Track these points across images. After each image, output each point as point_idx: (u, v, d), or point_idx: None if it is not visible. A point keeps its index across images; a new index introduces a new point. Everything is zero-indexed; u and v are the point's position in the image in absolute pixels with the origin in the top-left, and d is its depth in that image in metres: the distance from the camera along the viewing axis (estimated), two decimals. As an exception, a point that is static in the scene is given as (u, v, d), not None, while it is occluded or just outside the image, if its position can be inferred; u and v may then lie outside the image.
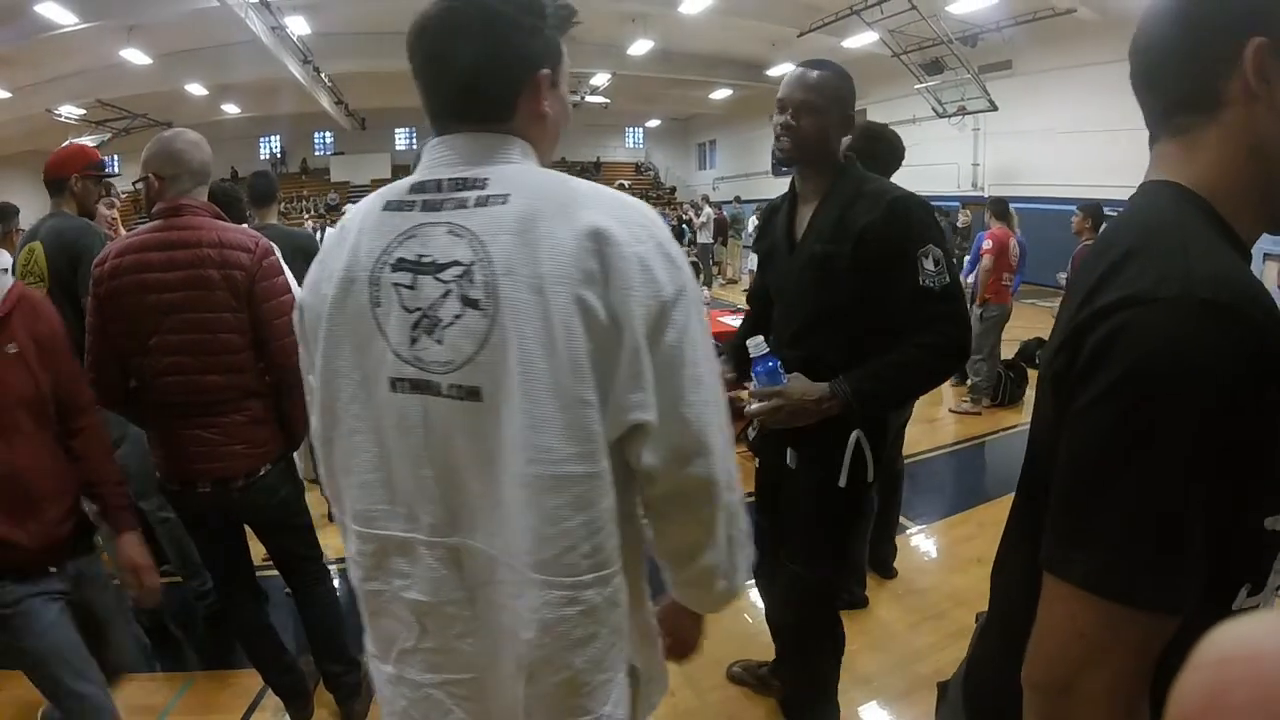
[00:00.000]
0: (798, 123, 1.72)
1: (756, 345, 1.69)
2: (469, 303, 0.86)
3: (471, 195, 0.90)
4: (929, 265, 1.64)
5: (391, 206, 0.95)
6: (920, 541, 3.58)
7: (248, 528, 2.19)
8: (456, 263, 0.87)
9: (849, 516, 1.91)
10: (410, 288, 0.90)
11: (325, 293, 0.95)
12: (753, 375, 1.74)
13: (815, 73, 1.74)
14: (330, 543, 3.27)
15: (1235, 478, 0.63)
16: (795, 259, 1.83)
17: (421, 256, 0.90)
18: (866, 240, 1.67)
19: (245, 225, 3.01)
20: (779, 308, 1.96)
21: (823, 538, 1.91)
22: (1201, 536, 0.63)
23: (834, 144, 1.77)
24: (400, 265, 0.91)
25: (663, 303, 0.86)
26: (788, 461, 1.91)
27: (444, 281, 0.88)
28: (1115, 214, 0.85)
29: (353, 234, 0.96)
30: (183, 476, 1.95)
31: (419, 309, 0.89)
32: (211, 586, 2.76)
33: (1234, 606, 0.70)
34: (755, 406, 1.73)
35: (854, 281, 1.70)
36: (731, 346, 2.13)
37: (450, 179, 0.92)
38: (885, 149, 2.72)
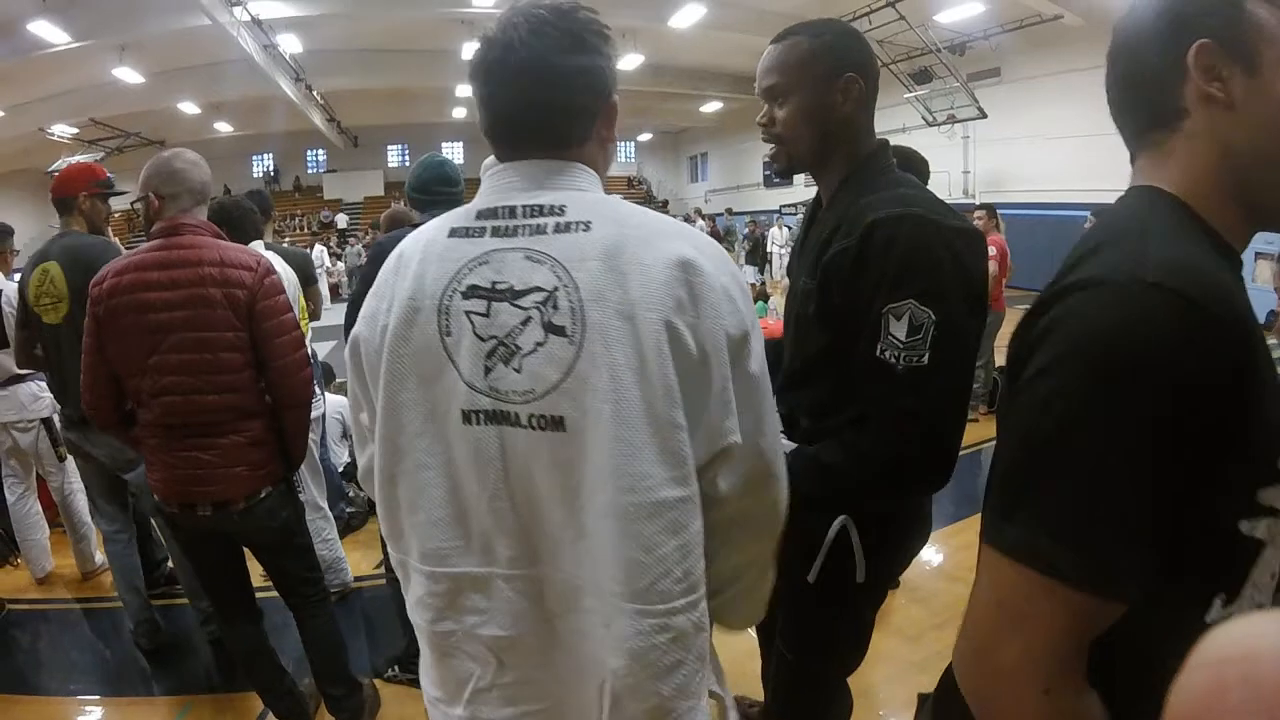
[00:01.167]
0: (771, 117, 1.34)
1: None
2: (553, 329, 0.84)
3: (550, 221, 0.88)
4: (898, 330, 1.13)
5: (458, 233, 0.92)
6: (922, 550, 3.57)
7: (246, 549, 2.17)
8: (537, 289, 0.85)
9: (824, 628, 1.49)
10: (484, 315, 0.87)
11: (384, 324, 0.92)
12: None
13: (774, 46, 1.33)
14: (350, 557, 3.29)
15: (1188, 470, 0.61)
16: (793, 287, 1.43)
17: (496, 283, 0.88)
18: (830, 279, 1.24)
19: (259, 241, 3.03)
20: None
21: (802, 630, 1.54)
22: (1147, 523, 0.62)
23: (829, 127, 1.30)
24: (473, 292, 0.88)
25: (745, 332, 0.88)
26: None
27: (523, 308, 0.86)
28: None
29: (414, 262, 0.93)
30: (181, 499, 1.93)
31: (494, 337, 0.87)
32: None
33: (1207, 619, 0.68)
34: None
35: (824, 333, 1.29)
36: None
37: (525, 205, 0.90)
38: (911, 169, 2.56)
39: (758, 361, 0.90)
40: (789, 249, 12.85)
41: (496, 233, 0.90)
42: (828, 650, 1.57)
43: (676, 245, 0.86)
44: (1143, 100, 0.77)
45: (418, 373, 0.91)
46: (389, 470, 0.95)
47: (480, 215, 0.92)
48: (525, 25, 0.90)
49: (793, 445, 1.30)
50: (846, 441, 1.22)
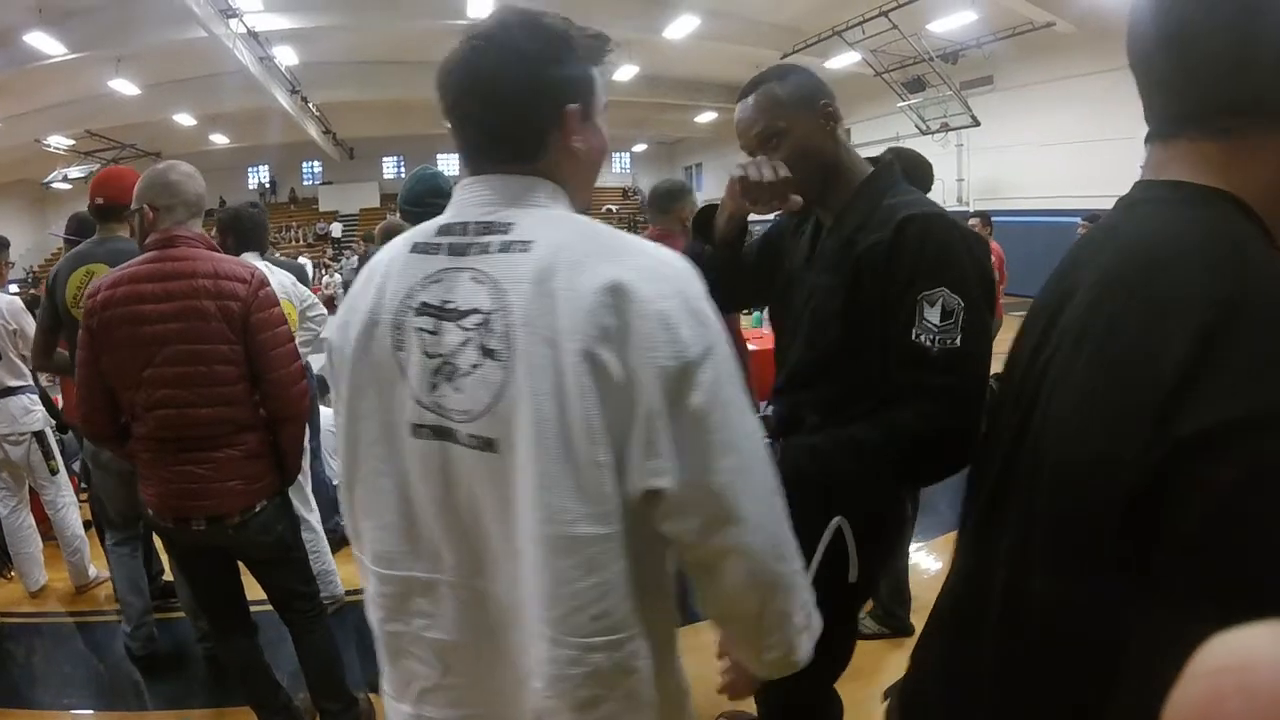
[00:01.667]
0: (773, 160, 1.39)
1: None
2: (487, 353, 0.84)
3: (495, 240, 0.88)
4: (932, 315, 1.23)
5: (419, 249, 0.93)
6: (920, 559, 3.57)
7: (241, 563, 2.15)
8: (477, 310, 0.85)
9: (824, 615, 1.58)
10: (433, 333, 0.88)
11: (350, 335, 0.95)
12: None
13: (752, 97, 1.41)
14: (344, 570, 3.27)
15: None
16: (800, 292, 1.49)
17: (445, 302, 0.88)
18: (863, 272, 1.31)
19: (252, 254, 3.02)
20: (778, 346, 1.64)
21: None
22: None
23: (828, 152, 1.41)
24: (424, 310, 0.89)
25: (686, 363, 0.81)
26: None
27: (465, 329, 0.86)
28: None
29: (379, 275, 0.95)
30: (175, 513, 1.92)
31: (440, 355, 0.87)
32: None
33: None
34: None
35: (847, 327, 1.36)
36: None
37: (476, 222, 0.90)
38: (921, 176, 2.57)
39: (706, 393, 0.82)
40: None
41: (451, 250, 0.90)
42: (820, 651, 1.57)
43: (610, 269, 0.82)
44: (1228, 80, 0.60)
45: (375, 385, 0.93)
46: (349, 476, 0.98)
47: (440, 231, 0.93)
48: (471, 39, 0.90)
49: (808, 441, 1.37)
50: (883, 420, 1.27)
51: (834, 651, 1.61)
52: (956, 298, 1.22)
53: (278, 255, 4.88)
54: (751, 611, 0.92)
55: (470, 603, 0.94)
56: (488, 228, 0.89)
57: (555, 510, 0.81)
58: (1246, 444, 0.45)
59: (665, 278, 0.84)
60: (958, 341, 1.22)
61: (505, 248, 0.87)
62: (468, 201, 0.93)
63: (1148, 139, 0.67)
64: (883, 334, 1.28)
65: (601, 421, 0.80)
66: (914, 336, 1.23)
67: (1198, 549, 0.48)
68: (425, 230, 0.95)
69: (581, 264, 0.83)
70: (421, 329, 0.89)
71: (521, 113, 0.91)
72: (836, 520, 1.38)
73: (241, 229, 2.98)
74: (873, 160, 1.46)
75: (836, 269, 1.37)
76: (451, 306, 0.87)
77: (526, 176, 0.92)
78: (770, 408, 1.59)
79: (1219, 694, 0.26)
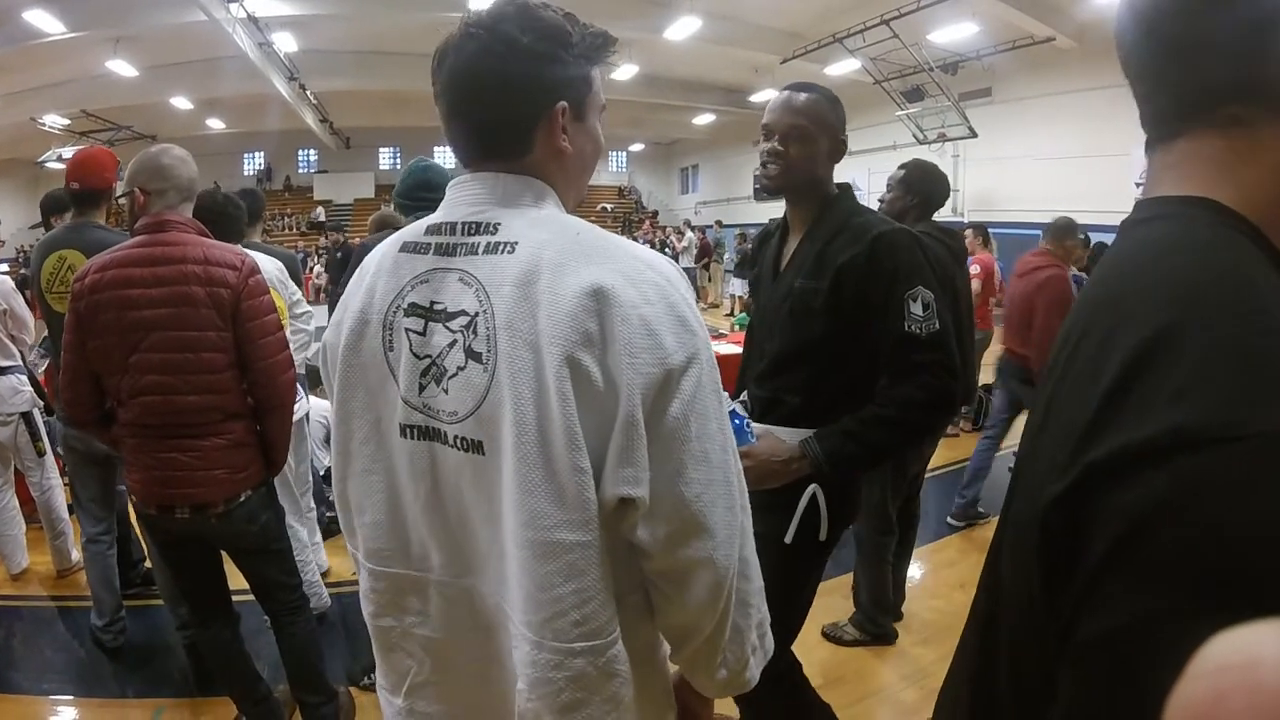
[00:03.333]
0: (786, 149, 1.62)
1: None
2: (472, 355, 0.84)
3: (482, 241, 0.87)
4: (916, 309, 1.50)
5: (408, 248, 0.93)
6: (910, 570, 3.57)
7: (224, 553, 2.14)
8: (463, 312, 0.85)
9: (791, 578, 1.69)
10: (421, 334, 0.88)
11: (342, 333, 0.95)
12: None
13: (803, 96, 1.63)
14: (330, 561, 3.26)
15: None
16: (775, 291, 1.72)
17: (434, 303, 0.88)
18: (844, 279, 1.55)
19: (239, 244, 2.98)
20: (755, 341, 1.83)
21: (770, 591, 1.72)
22: None
23: (822, 172, 1.65)
24: (412, 310, 0.89)
25: (668, 370, 0.80)
26: None
27: (452, 331, 0.86)
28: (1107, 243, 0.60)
29: (369, 275, 0.95)
30: (159, 501, 1.90)
31: (428, 356, 0.87)
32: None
33: None
34: None
35: (828, 322, 1.59)
36: None
37: (464, 222, 0.89)
38: (933, 185, 2.71)
39: (685, 402, 0.81)
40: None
41: (438, 250, 0.90)
42: (792, 604, 1.75)
43: (593, 273, 0.80)
44: (1234, 57, 0.49)
45: (365, 384, 0.94)
46: (341, 472, 0.99)
47: (429, 230, 0.92)
48: (461, 31, 0.88)
49: (782, 428, 1.59)
50: (893, 396, 1.53)
51: (796, 602, 1.78)
52: (929, 293, 1.52)
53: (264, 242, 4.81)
54: (710, 626, 0.90)
55: (459, 602, 0.94)
56: (475, 228, 0.88)
57: (536, 515, 0.81)
58: (1160, 460, 0.38)
59: (649, 282, 0.83)
60: (936, 326, 1.52)
61: (492, 249, 0.86)
62: (457, 200, 0.92)
63: (1147, 148, 0.58)
64: (870, 328, 1.55)
65: (582, 428, 0.79)
66: (906, 328, 1.51)
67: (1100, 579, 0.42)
68: (415, 229, 0.94)
69: (564, 266, 0.81)
70: (410, 329, 0.89)
71: (508, 108, 0.89)
72: (811, 487, 1.62)
73: (208, 220, 2.81)
74: (838, 185, 1.71)
75: (816, 274, 1.60)
76: (440, 307, 0.87)
77: (515, 175, 0.91)
78: (744, 395, 1.77)
79: (1222, 690, 0.26)
